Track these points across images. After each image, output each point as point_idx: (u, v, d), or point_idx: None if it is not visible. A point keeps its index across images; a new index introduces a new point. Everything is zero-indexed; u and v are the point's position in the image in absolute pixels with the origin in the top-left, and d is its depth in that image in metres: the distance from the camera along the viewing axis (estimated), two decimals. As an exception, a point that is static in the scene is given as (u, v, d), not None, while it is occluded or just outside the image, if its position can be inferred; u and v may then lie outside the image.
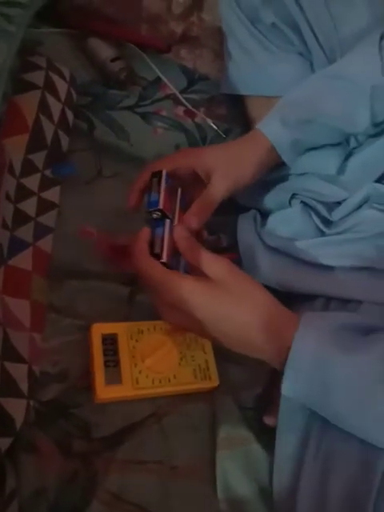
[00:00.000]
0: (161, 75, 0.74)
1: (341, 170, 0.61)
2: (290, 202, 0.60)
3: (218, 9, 0.70)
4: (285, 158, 0.56)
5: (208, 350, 0.53)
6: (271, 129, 0.55)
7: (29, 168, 0.53)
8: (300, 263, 0.56)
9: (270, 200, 0.62)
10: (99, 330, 0.50)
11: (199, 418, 0.50)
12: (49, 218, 0.55)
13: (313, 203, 0.58)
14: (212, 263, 0.44)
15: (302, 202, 0.59)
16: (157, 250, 0.46)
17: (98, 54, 0.71)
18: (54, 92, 0.58)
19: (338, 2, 0.60)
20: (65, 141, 0.60)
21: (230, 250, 0.60)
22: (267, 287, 0.53)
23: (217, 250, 0.58)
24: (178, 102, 0.74)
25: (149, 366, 0.49)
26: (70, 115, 0.61)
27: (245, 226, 0.61)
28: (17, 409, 0.42)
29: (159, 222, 0.48)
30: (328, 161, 0.59)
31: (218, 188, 0.52)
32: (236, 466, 0.48)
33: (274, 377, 0.45)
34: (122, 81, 0.70)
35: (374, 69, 0.52)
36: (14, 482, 0.41)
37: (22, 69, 0.56)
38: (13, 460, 0.42)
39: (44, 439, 0.44)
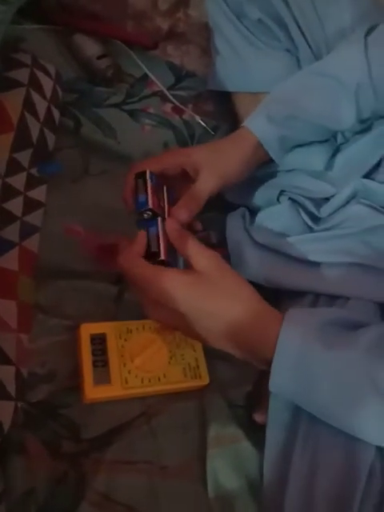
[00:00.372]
0: (148, 72, 0.74)
1: (328, 166, 0.61)
2: (278, 199, 0.60)
3: (205, 5, 0.69)
4: (272, 155, 0.56)
5: (198, 348, 0.53)
6: (258, 125, 0.55)
7: (14, 167, 0.52)
8: (288, 260, 0.56)
9: (258, 197, 0.62)
10: (87, 329, 0.49)
11: (189, 416, 0.50)
12: (35, 217, 0.54)
13: (301, 199, 0.58)
14: (201, 256, 0.44)
15: (290, 198, 0.59)
16: (154, 249, 0.46)
17: (83, 51, 0.70)
18: (40, 89, 0.58)
19: (323, -1, 0.60)
20: (51, 139, 0.59)
21: (219, 247, 0.60)
22: (256, 284, 0.54)
23: (206, 246, 0.58)
24: (165, 99, 0.74)
25: (138, 366, 0.49)
26: (55, 113, 0.60)
27: (233, 223, 0.61)
28: (4, 411, 0.41)
29: (151, 221, 0.47)
30: (315, 157, 0.59)
31: (206, 183, 0.52)
32: (226, 464, 0.48)
33: (264, 374, 0.45)
34: (108, 78, 0.70)
35: (359, 66, 0.52)
36: (1, 484, 0.41)
37: (6, 66, 0.55)
38: (1, 462, 0.42)
39: (33, 440, 0.44)
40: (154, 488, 0.45)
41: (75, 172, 0.62)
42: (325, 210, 0.58)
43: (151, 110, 0.72)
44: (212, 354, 0.53)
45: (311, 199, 0.59)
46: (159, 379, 0.49)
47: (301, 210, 0.58)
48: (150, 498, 0.44)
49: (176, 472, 0.47)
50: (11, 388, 0.43)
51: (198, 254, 0.44)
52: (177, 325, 0.46)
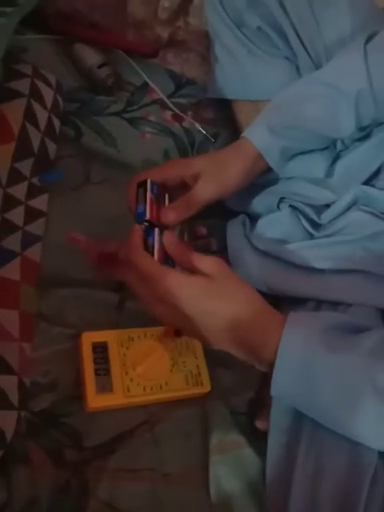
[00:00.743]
0: (148, 80, 0.74)
1: (328, 172, 0.61)
2: (278, 206, 0.60)
3: (204, 13, 0.70)
4: (273, 165, 0.56)
5: (199, 355, 0.53)
6: (258, 136, 0.55)
7: (15, 177, 0.53)
8: (289, 266, 0.56)
9: (258, 204, 0.62)
10: (89, 338, 0.49)
11: (191, 424, 0.50)
12: (37, 227, 0.55)
13: (301, 206, 0.59)
14: (203, 260, 0.44)
15: (290, 205, 0.59)
16: None
17: (84, 60, 0.71)
18: (40, 100, 0.58)
19: (321, 6, 0.60)
20: (52, 148, 0.60)
21: (220, 254, 0.61)
22: (257, 291, 0.54)
23: (206, 253, 0.58)
24: (165, 107, 0.74)
25: (140, 374, 0.49)
26: (56, 122, 0.61)
27: (234, 230, 0.61)
28: (7, 421, 0.41)
29: (149, 231, 0.48)
30: (315, 165, 0.60)
31: (203, 190, 0.52)
32: (229, 471, 0.48)
33: (265, 381, 0.45)
34: (109, 87, 0.70)
35: (359, 75, 0.52)
36: (5, 493, 0.41)
37: (7, 77, 0.55)
38: (4, 472, 0.42)
39: (36, 449, 0.44)
40: (157, 495, 0.45)
41: (76, 180, 0.62)
42: (325, 217, 0.58)
43: (151, 118, 0.73)
44: (214, 361, 0.54)
45: (311, 206, 0.59)
46: (161, 387, 0.49)
47: (301, 217, 0.58)
48: (153, 505, 0.45)
49: (179, 479, 0.47)
50: (14, 397, 0.43)
51: (201, 258, 0.44)
52: (179, 323, 0.46)
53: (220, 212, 0.64)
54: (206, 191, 0.52)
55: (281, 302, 0.58)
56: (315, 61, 0.64)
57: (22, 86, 0.57)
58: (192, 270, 0.44)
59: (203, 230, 0.59)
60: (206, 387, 0.52)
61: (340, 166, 0.61)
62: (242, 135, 0.56)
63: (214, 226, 0.63)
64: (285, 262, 0.56)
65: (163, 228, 0.49)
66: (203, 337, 0.44)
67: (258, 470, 0.48)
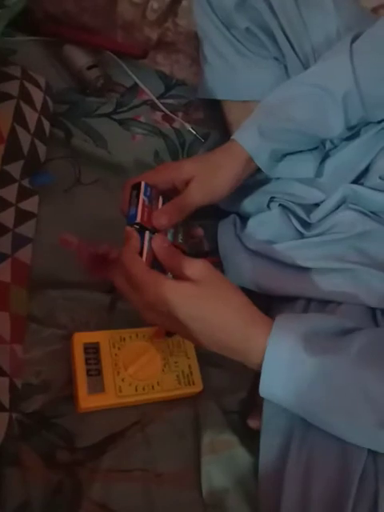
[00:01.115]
0: (138, 81, 0.74)
1: (318, 172, 0.61)
2: (268, 205, 0.61)
3: (193, 14, 0.70)
4: (263, 168, 0.57)
5: (191, 354, 0.54)
6: (249, 140, 0.55)
7: (5, 179, 0.53)
8: (280, 266, 0.56)
9: (249, 203, 0.62)
10: (81, 339, 0.50)
11: (183, 423, 0.50)
12: (27, 229, 0.54)
13: (291, 206, 0.59)
14: (191, 265, 0.44)
15: (280, 204, 0.60)
16: None
17: (73, 61, 0.71)
18: (30, 101, 0.58)
19: (309, 8, 0.61)
20: (42, 150, 0.60)
21: (211, 254, 0.61)
22: (247, 290, 0.54)
23: (198, 253, 0.58)
24: (155, 108, 0.74)
25: (132, 374, 0.49)
26: (46, 124, 0.61)
27: (225, 230, 0.62)
28: (-2, 423, 0.41)
29: (140, 234, 0.48)
30: (305, 165, 0.60)
31: (194, 194, 0.52)
32: (221, 471, 0.48)
33: (258, 380, 0.45)
34: (98, 88, 0.70)
35: (345, 75, 0.52)
36: (-4, 496, 0.41)
37: (-4, 79, 0.55)
38: (-4, 474, 0.42)
39: (27, 451, 0.44)
40: (150, 495, 0.45)
41: (67, 182, 0.62)
42: (315, 216, 0.58)
43: (142, 119, 0.73)
44: (205, 361, 0.54)
45: (301, 205, 0.59)
46: (153, 387, 0.50)
47: (291, 216, 0.59)
48: (145, 505, 0.45)
49: (171, 479, 0.47)
50: (5, 399, 0.43)
51: (190, 262, 0.44)
52: (170, 327, 0.47)
53: (211, 212, 0.65)
54: (196, 196, 0.52)
55: (271, 301, 0.59)
56: (303, 61, 0.64)
57: (11, 87, 0.57)
58: (180, 275, 0.44)
59: (199, 231, 0.59)
60: (198, 387, 0.52)
61: (329, 165, 0.61)
62: (232, 138, 0.56)
63: (205, 226, 0.64)
64: (275, 262, 0.57)
65: (155, 231, 0.49)
66: (194, 340, 0.44)
67: (249, 469, 0.48)
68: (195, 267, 0.44)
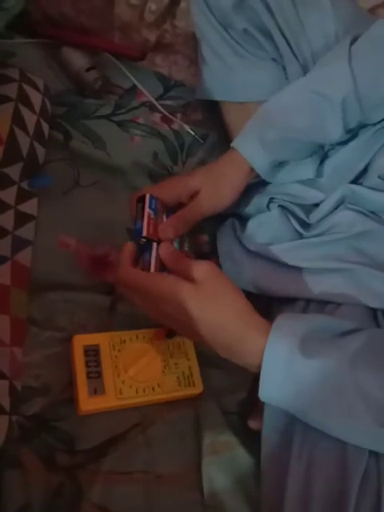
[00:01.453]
0: (136, 83, 0.74)
1: (317, 172, 0.61)
2: (268, 206, 0.61)
3: (191, 15, 0.70)
4: (264, 177, 0.57)
5: (191, 356, 0.54)
6: (250, 151, 0.55)
7: (4, 181, 0.53)
8: (279, 266, 0.56)
9: (248, 205, 0.62)
10: (81, 341, 0.49)
11: (184, 424, 0.50)
12: (27, 231, 0.54)
13: (290, 206, 0.59)
14: (196, 266, 0.45)
15: (279, 205, 0.60)
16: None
17: (72, 63, 0.71)
18: (28, 104, 0.58)
19: (306, 8, 0.61)
20: (41, 152, 0.60)
21: (211, 256, 0.61)
22: (247, 291, 0.54)
23: (199, 255, 0.58)
24: (154, 109, 0.74)
25: (132, 376, 0.49)
26: (45, 126, 0.61)
27: (224, 231, 0.62)
28: (-2, 426, 0.41)
29: (146, 246, 0.48)
30: (305, 168, 0.60)
31: (200, 207, 0.53)
32: (222, 472, 0.48)
33: (257, 381, 0.45)
34: (97, 90, 0.70)
35: (344, 80, 0.52)
36: (-3, 499, 0.41)
37: (-5, 82, 0.55)
38: (-4, 477, 0.42)
39: (28, 454, 0.44)
40: (151, 497, 0.45)
41: (66, 184, 0.62)
42: (314, 216, 0.58)
43: (140, 121, 0.73)
44: (205, 362, 0.54)
45: (301, 206, 0.59)
46: (153, 389, 0.50)
47: (290, 217, 0.59)
48: (146, 507, 0.45)
49: (172, 480, 0.47)
50: (5, 402, 0.43)
51: (193, 263, 0.45)
52: (172, 326, 0.47)
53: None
54: (202, 208, 0.53)
55: (271, 302, 0.59)
56: (301, 62, 0.64)
57: (10, 90, 0.57)
58: (186, 277, 0.45)
59: (205, 238, 0.60)
60: (199, 388, 0.52)
61: (328, 165, 0.61)
62: (233, 146, 0.56)
63: (205, 227, 0.64)
64: (274, 263, 0.57)
65: (159, 242, 0.49)
66: (195, 338, 0.45)
67: (250, 470, 0.48)
68: (200, 268, 0.44)
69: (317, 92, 0.54)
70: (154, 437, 0.49)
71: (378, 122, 0.58)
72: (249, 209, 0.62)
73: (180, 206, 0.54)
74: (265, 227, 0.60)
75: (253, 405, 0.53)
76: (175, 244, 0.52)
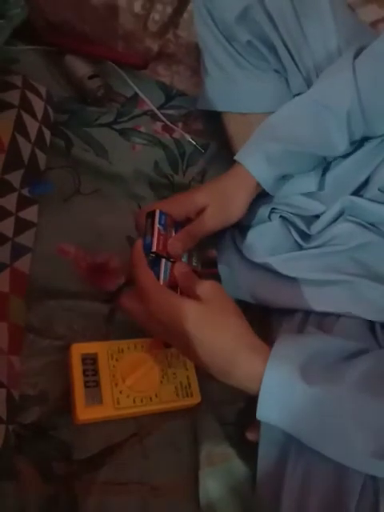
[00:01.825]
0: (138, 91, 0.75)
1: (319, 185, 0.62)
2: (269, 217, 0.61)
3: (194, 26, 0.70)
4: (269, 191, 0.57)
5: (189, 366, 0.53)
6: (257, 167, 0.55)
7: (5, 188, 0.53)
8: (278, 277, 0.56)
9: (249, 215, 0.62)
10: (79, 349, 0.49)
11: (181, 435, 0.50)
12: (26, 238, 0.54)
13: (291, 217, 0.59)
14: (199, 284, 0.45)
15: (280, 216, 0.60)
16: None
17: (75, 71, 0.71)
18: (31, 111, 0.58)
19: (309, 20, 0.61)
20: (42, 159, 0.60)
21: (211, 266, 0.61)
22: (246, 302, 0.55)
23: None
24: (155, 118, 0.74)
25: (130, 386, 0.49)
26: (47, 133, 0.61)
27: (224, 242, 0.62)
28: (-5, 435, 0.41)
29: (155, 262, 0.48)
30: (307, 181, 0.60)
31: (207, 223, 0.54)
32: (218, 483, 0.48)
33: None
34: (99, 98, 0.71)
35: (349, 93, 0.53)
36: (-8, 509, 0.41)
37: (-2, 88, 0.56)
38: (-9, 487, 0.41)
39: (24, 463, 0.44)
40: (147, 508, 0.45)
41: (66, 191, 0.62)
42: (315, 228, 0.58)
43: (142, 129, 0.73)
44: (204, 372, 0.53)
45: (301, 217, 0.59)
46: (151, 399, 0.49)
47: (291, 228, 0.59)
48: (142, 518, 0.44)
49: (168, 491, 0.47)
50: (2, 411, 0.42)
51: (198, 283, 0.45)
52: (168, 340, 0.47)
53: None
54: (209, 224, 0.54)
55: (270, 313, 0.59)
56: (304, 74, 0.64)
57: (13, 97, 0.57)
58: (191, 295, 0.45)
59: (213, 253, 0.60)
60: (196, 398, 0.51)
61: (329, 176, 0.61)
62: (238, 160, 0.56)
63: (214, 241, 0.64)
64: (274, 273, 0.57)
65: (169, 258, 0.50)
66: (191, 357, 0.44)
67: (247, 481, 0.48)
68: (203, 287, 0.45)
69: (321, 104, 0.54)
70: (150, 447, 0.48)
71: (380, 135, 0.58)
72: (249, 219, 0.62)
73: (188, 221, 0.54)
74: (265, 238, 0.60)
75: (250, 416, 0.52)
76: (184, 259, 0.52)
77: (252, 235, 0.60)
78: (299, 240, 0.58)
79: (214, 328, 0.43)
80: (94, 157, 0.67)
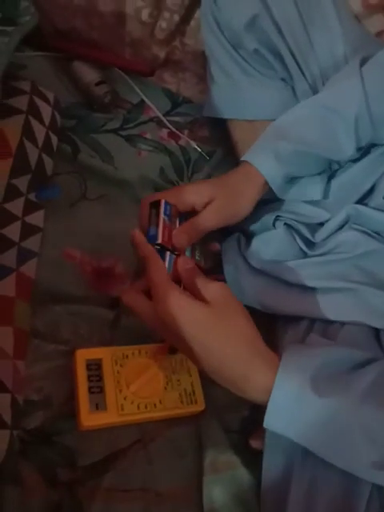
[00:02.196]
0: (145, 98, 0.75)
1: (324, 193, 0.62)
2: (273, 224, 0.61)
3: (201, 34, 0.71)
4: (277, 192, 0.57)
5: (194, 373, 0.53)
6: (265, 165, 0.55)
7: (12, 193, 0.53)
8: (283, 285, 0.57)
9: (254, 222, 0.62)
10: (83, 355, 0.49)
11: (185, 442, 0.50)
12: (32, 243, 0.55)
13: (296, 225, 0.59)
14: (208, 286, 0.44)
15: (285, 223, 0.60)
16: None
17: (82, 77, 0.72)
18: (38, 116, 0.59)
19: (316, 30, 0.62)
20: (49, 164, 0.60)
21: (216, 272, 0.61)
22: (251, 308, 0.54)
23: (210, 264, 0.58)
24: (161, 125, 0.75)
25: (134, 392, 0.49)
26: (54, 139, 0.61)
27: (229, 248, 0.62)
28: (-1, 440, 0.41)
29: (161, 254, 0.47)
30: (313, 188, 0.60)
31: (212, 217, 0.53)
32: (223, 491, 0.47)
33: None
34: (106, 104, 0.71)
35: (357, 99, 0.53)
36: (-4, 515, 0.40)
37: (6, 94, 0.56)
38: (-5, 492, 0.41)
39: (28, 469, 0.44)
40: (150, 515, 0.45)
41: (73, 196, 0.63)
42: (319, 235, 0.58)
43: (148, 136, 0.73)
44: (208, 379, 0.53)
45: (306, 224, 0.59)
46: (155, 405, 0.49)
47: (296, 236, 0.59)
48: (146, 526, 0.44)
49: (172, 499, 0.46)
50: (7, 416, 0.42)
51: (206, 284, 0.44)
52: (173, 342, 0.46)
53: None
54: (214, 219, 0.53)
55: (275, 320, 0.59)
56: (310, 82, 0.65)
57: (21, 102, 0.57)
58: (196, 295, 0.44)
59: (216, 246, 0.59)
60: (201, 405, 0.51)
61: (334, 184, 0.62)
62: (246, 159, 0.56)
63: (217, 236, 0.64)
64: (279, 281, 0.57)
65: (173, 251, 0.49)
66: (196, 361, 0.44)
67: (252, 490, 0.48)
68: (211, 289, 0.44)
69: (329, 108, 0.54)
70: (154, 454, 0.48)
71: (385, 143, 0.58)
72: (254, 226, 0.63)
73: (193, 213, 0.53)
74: (269, 245, 0.60)
75: (254, 424, 0.52)
76: (187, 252, 0.52)
77: (257, 242, 0.61)
78: (304, 247, 0.58)
79: (219, 334, 0.41)
80: (100, 162, 0.67)
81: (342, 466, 0.39)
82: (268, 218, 0.60)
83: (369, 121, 0.54)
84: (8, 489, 0.42)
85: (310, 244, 0.59)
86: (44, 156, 0.59)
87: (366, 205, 0.57)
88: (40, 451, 0.45)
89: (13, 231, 0.52)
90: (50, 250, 0.56)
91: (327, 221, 0.59)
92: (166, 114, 0.76)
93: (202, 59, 0.77)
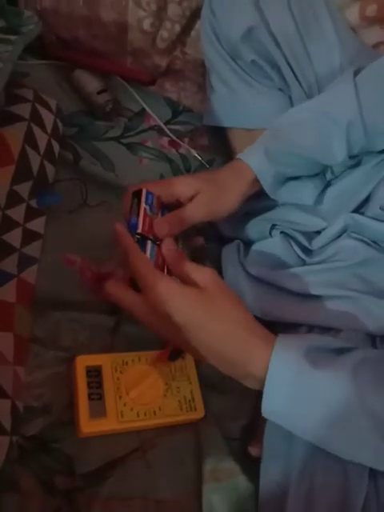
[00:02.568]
0: (146, 107, 0.76)
1: (319, 200, 0.62)
2: (270, 232, 0.61)
3: (200, 44, 0.72)
4: (267, 190, 0.58)
5: (193, 379, 0.53)
6: (255, 160, 0.56)
7: (14, 199, 0.53)
8: (282, 292, 0.57)
9: (251, 230, 0.63)
10: (83, 362, 0.49)
11: (185, 449, 0.50)
12: (33, 249, 0.55)
13: (292, 233, 0.60)
14: (199, 271, 0.44)
15: (282, 232, 0.60)
16: None
17: (84, 86, 0.72)
18: (41, 124, 0.59)
19: (313, 41, 0.63)
20: (51, 171, 0.60)
21: (197, 254, 0.60)
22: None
23: (192, 257, 0.58)
24: (162, 133, 0.76)
25: (133, 398, 0.49)
26: (56, 146, 0.61)
27: (229, 256, 0.62)
28: (-1, 446, 0.41)
29: (142, 243, 0.47)
30: (305, 191, 0.61)
31: (197, 210, 0.53)
32: (222, 499, 0.47)
33: (259, 404, 0.45)
34: (107, 112, 0.72)
35: (350, 106, 0.54)
36: (-6, 522, 0.40)
37: (9, 101, 0.56)
38: (-7, 499, 0.41)
39: (26, 476, 0.44)
40: (149, 524, 0.45)
41: (74, 203, 0.63)
42: (316, 243, 0.59)
43: (148, 144, 0.74)
44: (208, 386, 0.54)
45: (303, 232, 0.60)
46: (155, 412, 0.49)
47: (293, 243, 0.59)
48: (145, 534, 0.44)
49: (171, 507, 0.46)
50: (6, 422, 0.42)
51: (196, 269, 0.44)
52: (170, 334, 0.46)
53: (216, 236, 0.65)
54: (199, 212, 0.53)
55: (274, 327, 0.59)
56: (307, 92, 0.66)
57: (23, 110, 0.58)
58: (186, 280, 0.44)
59: (200, 240, 0.60)
60: (200, 413, 0.51)
61: (330, 193, 0.62)
62: (238, 157, 0.57)
63: (210, 250, 0.64)
64: (278, 288, 0.57)
65: (154, 240, 0.48)
66: (194, 349, 0.43)
67: (251, 497, 0.47)
68: (202, 273, 0.44)
69: (323, 113, 0.55)
70: (153, 461, 0.48)
71: (381, 152, 0.59)
72: (252, 234, 0.63)
73: (177, 205, 0.53)
74: (267, 253, 0.60)
75: (253, 431, 0.52)
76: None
77: (254, 251, 0.61)
78: (302, 255, 0.58)
79: (215, 313, 0.42)
80: (101, 170, 0.67)
81: (340, 448, 0.40)
82: (264, 227, 0.61)
83: (362, 130, 0.54)
84: (6, 496, 0.42)
85: (308, 251, 0.59)
86: (46, 163, 0.59)
87: (362, 214, 0.58)
88: (38, 458, 0.45)
89: (14, 237, 0.52)
90: (51, 256, 0.56)
91: (324, 229, 0.60)
92: (167, 123, 0.77)
93: (202, 69, 0.78)
